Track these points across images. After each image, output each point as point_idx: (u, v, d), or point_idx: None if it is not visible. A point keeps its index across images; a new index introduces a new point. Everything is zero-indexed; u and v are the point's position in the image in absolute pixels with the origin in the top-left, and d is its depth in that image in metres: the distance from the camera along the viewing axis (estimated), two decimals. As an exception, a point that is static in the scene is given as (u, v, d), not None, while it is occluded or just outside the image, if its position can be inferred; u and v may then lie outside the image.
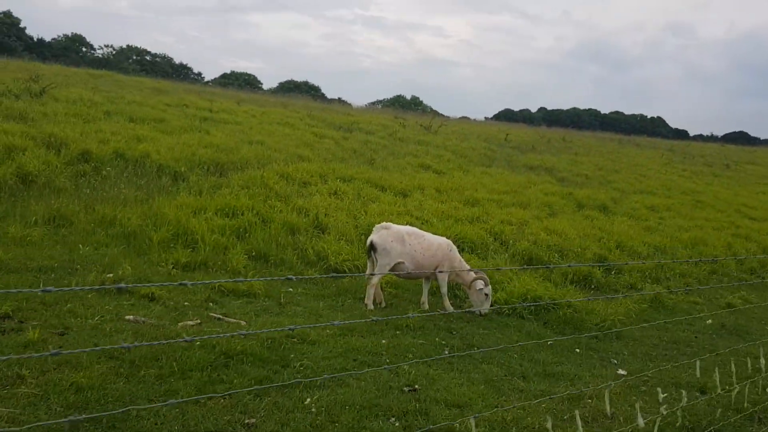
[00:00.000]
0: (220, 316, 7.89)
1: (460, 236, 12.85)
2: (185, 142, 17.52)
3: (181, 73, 78.78)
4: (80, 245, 9.66)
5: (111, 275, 8.50)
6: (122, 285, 8.17)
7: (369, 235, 9.46)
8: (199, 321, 7.57)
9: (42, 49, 70.23)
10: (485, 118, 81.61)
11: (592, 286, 11.94)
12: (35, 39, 72.62)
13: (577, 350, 8.61)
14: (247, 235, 11.29)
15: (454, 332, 8.66)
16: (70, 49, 74.09)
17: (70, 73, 31.09)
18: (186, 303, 8.24)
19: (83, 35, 78.79)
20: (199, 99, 28.40)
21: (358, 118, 33.18)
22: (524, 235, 14.21)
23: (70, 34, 76.99)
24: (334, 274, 10.40)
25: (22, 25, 72.14)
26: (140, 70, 65.78)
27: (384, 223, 9.51)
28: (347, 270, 10.69)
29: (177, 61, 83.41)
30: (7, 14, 70.49)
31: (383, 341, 7.89)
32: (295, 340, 7.47)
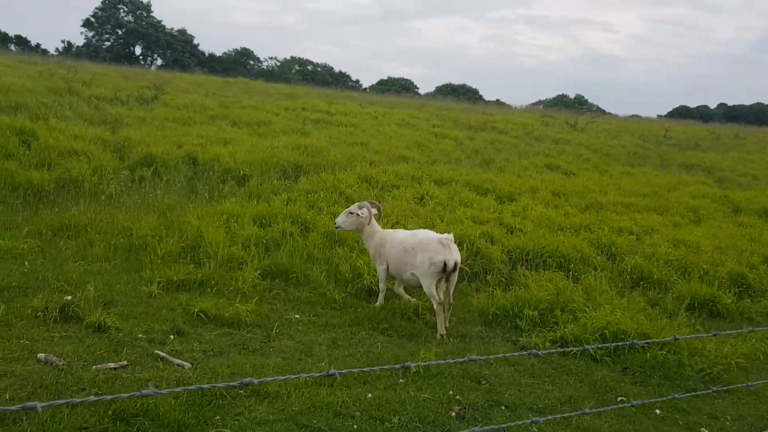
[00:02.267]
0: (165, 355, 6.22)
1: (549, 249, 10.32)
2: (272, 144, 16.34)
3: (340, 81, 79.99)
4: (70, 260, 8.46)
5: (69, 297, 7.14)
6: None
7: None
8: (125, 363, 5.93)
9: (213, 64, 74.41)
10: (657, 115, 75.02)
11: (716, 315, 8.98)
12: (207, 54, 77.01)
13: (657, 411, 6.03)
14: (278, 247, 9.61)
15: (483, 381, 6.39)
16: (239, 63, 77.83)
17: (205, 80, 31.59)
18: (142, 335, 6.66)
19: (251, 49, 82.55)
20: (321, 102, 27.48)
21: (494, 118, 30.76)
22: (642, 247, 11.32)
23: (239, 48, 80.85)
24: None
25: (195, 41, 76.93)
26: (302, 80, 67.47)
27: (449, 235, 7.66)
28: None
29: (337, 69, 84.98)
30: (182, 32, 75.41)
31: (369, 395, 5.84)
32: (242, 392, 5.64)
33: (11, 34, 67.63)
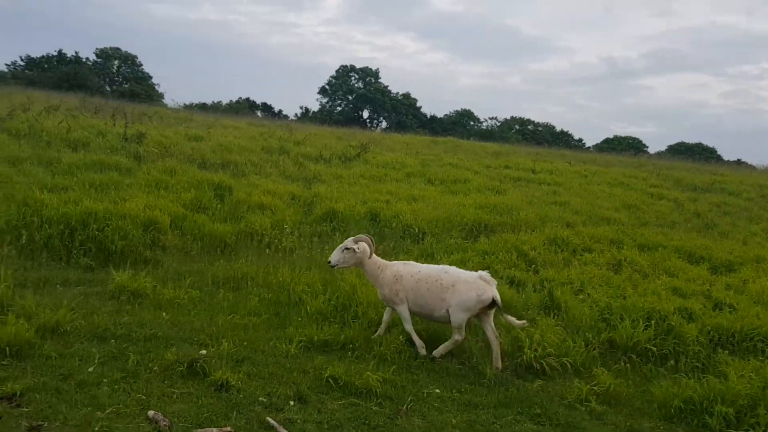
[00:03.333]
0: (275, 424, 5.74)
1: (762, 330, 8.44)
2: (460, 202, 15.77)
3: (561, 140, 77.94)
4: (223, 313, 8.45)
5: (204, 351, 7.01)
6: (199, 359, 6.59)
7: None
8: (229, 429, 5.53)
9: (434, 125, 76.57)
10: None
11: None
12: (429, 116, 79.50)
13: None
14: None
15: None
16: (459, 123, 79.34)
17: (412, 140, 32.14)
18: (262, 398, 6.27)
19: (472, 110, 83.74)
20: (526, 160, 26.52)
21: (724, 178, 27.54)
22: None
23: (460, 110, 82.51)
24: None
25: (418, 104, 79.87)
26: (521, 140, 66.78)
27: (484, 273, 7.62)
28: (546, 369, 7.57)
29: (559, 128, 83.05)
30: (406, 95, 78.81)
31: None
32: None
33: (259, 102, 75.32)
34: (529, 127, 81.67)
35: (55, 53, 66.13)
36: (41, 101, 24.71)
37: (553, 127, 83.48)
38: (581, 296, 9.99)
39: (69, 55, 66.54)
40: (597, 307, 9.25)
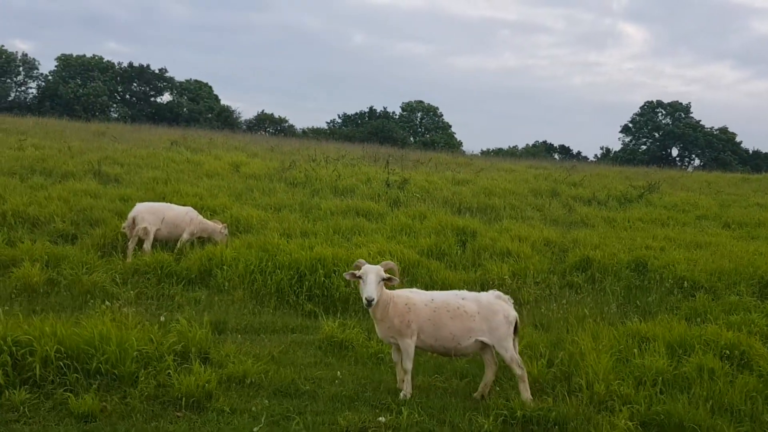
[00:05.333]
0: None
1: None
2: (756, 250, 12.95)
3: None
4: (425, 373, 7.58)
5: (382, 419, 6.19)
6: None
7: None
8: None
9: (758, 161, 67.55)
10: None
11: None
12: (751, 151, 70.36)
13: None
14: (686, 389, 7.00)
15: None
16: (790, 159, 68.85)
17: (716, 178, 28.21)
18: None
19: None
20: None
21: None
22: None
23: (791, 143, 71.67)
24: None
25: (737, 139, 71.25)
26: None
27: (497, 292, 7.13)
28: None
29: None
30: (723, 130, 70.93)
31: None
32: None
33: (556, 144, 73.77)
34: None
35: (366, 110, 72.43)
36: (336, 153, 26.57)
37: None
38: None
39: (378, 110, 72.40)
40: None
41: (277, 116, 66.29)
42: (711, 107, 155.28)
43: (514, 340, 6.96)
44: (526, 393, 6.75)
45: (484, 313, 6.79)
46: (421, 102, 74.87)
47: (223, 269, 10.22)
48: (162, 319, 8.02)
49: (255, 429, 5.89)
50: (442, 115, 75.09)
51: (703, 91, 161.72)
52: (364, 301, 6.47)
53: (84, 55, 64.70)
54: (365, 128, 64.23)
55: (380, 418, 6.21)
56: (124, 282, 9.75)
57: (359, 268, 6.67)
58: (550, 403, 6.59)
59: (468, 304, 6.83)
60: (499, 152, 62.50)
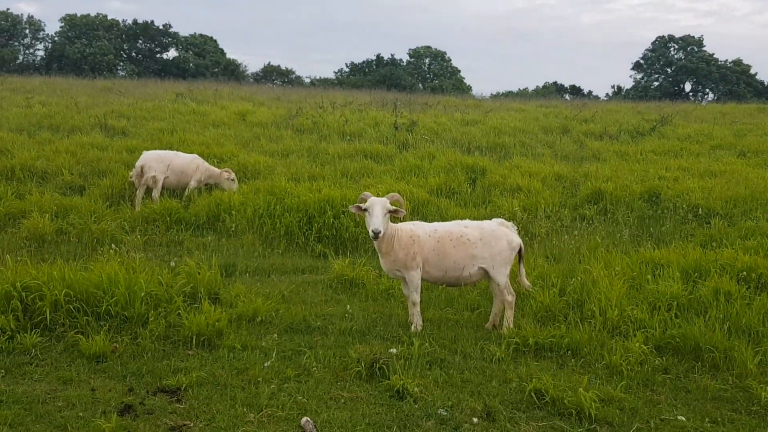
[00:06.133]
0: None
1: None
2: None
3: None
4: (436, 306, 7.55)
5: (394, 350, 6.17)
6: None
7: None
8: None
9: (774, 93, 66.25)
10: None
11: None
12: (766, 84, 68.90)
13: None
14: (703, 313, 6.94)
15: None
16: (811, 88, 67.44)
17: (732, 109, 27.67)
18: (443, 410, 5.24)
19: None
20: None
21: None
22: None
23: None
24: None
25: (752, 71, 69.71)
26: None
27: (501, 220, 7.10)
28: None
29: None
30: (737, 62, 69.40)
31: None
32: None
33: (567, 84, 72.56)
34: None
35: (374, 58, 71.39)
36: (343, 99, 26.24)
37: None
38: None
39: (386, 58, 71.33)
40: None
41: (284, 68, 65.60)
42: (724, 40, 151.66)
43: (520, 265, 6.92)
44: (509, 321, 6.79)
45: (487, 239, 6.74)
46: (428, 47, 73.65)
47: (232, 214, 10.18)
48: (172, 264, 8.01)
49: (266, 363, 5.89)
50: (450, 60, 73.94)
51: (716, 24, 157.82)
52: (371, 233, 6.38)
53: (88, 15, 63.89)
54: (373, 76, 63.43)
55: (392, 350, 6.20)
56: (133, 230, 9.75)
57: (365, 201, 6.57)
58: (563, 330, 6.55)
59: (470, 232, 6.77)
60: (508, 95, 61.56)
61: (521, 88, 68.76)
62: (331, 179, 11.86)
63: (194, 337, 6.20)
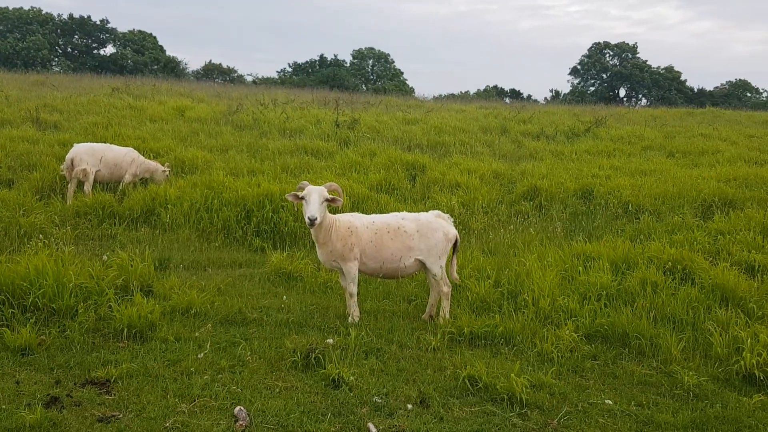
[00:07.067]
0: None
1: None
2: (698, 175, 13.23)
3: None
4: (374, 298, 7.59)
5: (331, 341, 6.17)
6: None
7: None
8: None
9: (702, 99, 68.73)
10: None
11: None
12: (695, 89, 71.57)
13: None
14: (630, 303, 7.17)
15: None
16: (733, 96, 70.26)
17: (663, 113, 28.70)
18: (378, 398, 5.27)
19: (748, 80, 73.74)
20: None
21: None
22: None
23: (734, 81, 73.07)
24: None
25: (682, 78, 72.30)
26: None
27: (438, 212, 7.16)
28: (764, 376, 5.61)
29: None
30: (668, 69, 71.85)
31: None
32: None
33: (507, 88, 73.79)
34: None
35: (317, 58, 71.09)
36: (285, 97, 26.02)
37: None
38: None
39: (329, 58, 71.14)
40: None
41: (226, 66, 64.65)
42: (657, 47, 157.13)
43: (454, 257, 7.04)
44: (445, 311, 6.88)
45: (424, 231, 6.82)
46: (372, 49, 73.79)
47: (168, 208, 10.00)
48: (105, 258, 7.81)
49: (200, 355, 5.82)
50: (393, 62, 74.23)
51: (649, 32, 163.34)
52: (307, 220, 6.38)
53: (21, 8, 61.64)
54: (316, 77, 63.16)
55: (328, 340, 6.20)
56: (64, 223, 9.47)
57: (303, 190, 6.56)
58: (497, 320, 6.67)
59: (407, 224, 6.84)
60: (450, 97, 62.21)
61: (463, 91, 69.58)
62: (271, 174, 11.77)
63: (125, 330, 6.07)
